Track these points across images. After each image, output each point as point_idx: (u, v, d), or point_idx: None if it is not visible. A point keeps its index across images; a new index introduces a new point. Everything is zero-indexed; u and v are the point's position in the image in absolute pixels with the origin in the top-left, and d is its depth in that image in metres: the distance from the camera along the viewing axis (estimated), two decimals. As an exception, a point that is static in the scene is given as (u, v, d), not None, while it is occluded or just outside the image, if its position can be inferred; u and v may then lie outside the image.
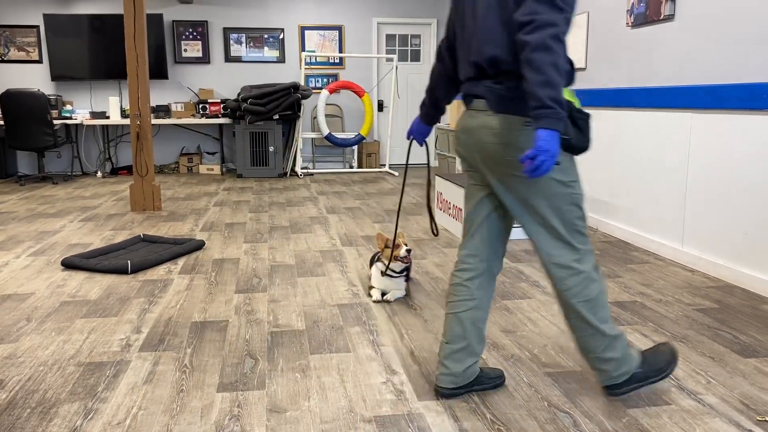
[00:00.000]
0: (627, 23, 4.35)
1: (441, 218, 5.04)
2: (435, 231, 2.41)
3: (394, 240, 3.13)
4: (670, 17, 3.89)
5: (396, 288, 3.18)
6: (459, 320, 2.10)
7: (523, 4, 1.76)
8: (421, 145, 2.41)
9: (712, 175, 3.57)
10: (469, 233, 2.13)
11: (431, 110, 2.28)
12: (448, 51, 2.15)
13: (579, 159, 5.13)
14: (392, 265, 3.13)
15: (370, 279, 3.29)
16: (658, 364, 2.13)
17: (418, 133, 2.34)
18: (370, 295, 3.21)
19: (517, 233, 4.51)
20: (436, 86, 2.22)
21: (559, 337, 2.68)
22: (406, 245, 3.13)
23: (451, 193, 4.76)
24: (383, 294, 3.18)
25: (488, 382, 2.20)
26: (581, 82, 5.03)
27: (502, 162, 1.91)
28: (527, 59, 1.70)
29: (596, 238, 4.51)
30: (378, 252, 3.32)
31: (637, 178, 4.28)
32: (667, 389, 2.19)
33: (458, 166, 7.05)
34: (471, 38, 1.95)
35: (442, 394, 2.14)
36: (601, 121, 4.74)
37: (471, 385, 2.16)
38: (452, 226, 4.74)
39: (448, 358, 2.12)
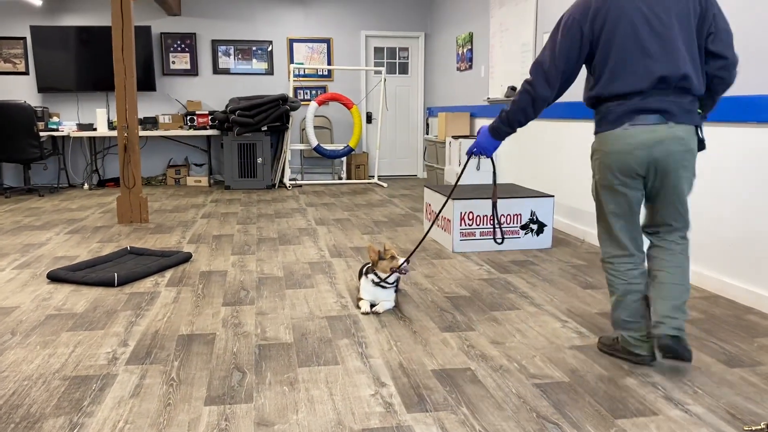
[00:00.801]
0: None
1: (429, 230, 5.05)
2: (501, 238, 3.04)
3: (414, 250, 3.13)
4: (654, 31, 3.94)
5: (386, 299, 3.18)
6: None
7: (724, 39, 2.27)
8: (489, 157, 2.66)
9: (696, 187, 3.61)
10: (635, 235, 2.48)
11: (516, 131, 2.55)
12: (567, 81, 2.39)
13: (571, 170, 5.17)
14: (386, 276, 3.14)
15: (358, 291, 3.29)
16: None
17: (492, 148, 2.61)
18: (358, 307, 3.20)
19: (507, 245, 4.53)
20: (537, 112, 2.45)
21: (548, 348, 2.69)
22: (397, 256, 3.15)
23: (439, 205, 4.77)
24: (372, 305, 3.18)
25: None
26: (568, 94, 5.07)
27: (682, 166, 2.30)
28: (721, 92, 2.35)
29: (584, 249, 4.54)
30: (366, 264, 3.32)
31: (624, 189, 4.31)
32: (654, 400, 2.20)
33: (447, 178, 7.07)
34: (652, 54, 2.23)
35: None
36: (588, 133, 4.79)
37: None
38: (440, 237, 4.75)
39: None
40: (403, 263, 3.13)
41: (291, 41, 9.05)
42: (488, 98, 6.87)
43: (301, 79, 9.13)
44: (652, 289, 2.44)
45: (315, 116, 8.96)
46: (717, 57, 2.27)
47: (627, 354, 2.52)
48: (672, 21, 2.23)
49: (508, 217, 4.53)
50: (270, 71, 9.05)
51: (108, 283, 3.60)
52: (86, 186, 8.38)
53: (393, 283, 3.18)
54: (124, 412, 2.13)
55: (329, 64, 9.14)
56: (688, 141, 2.27)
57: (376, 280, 3.15)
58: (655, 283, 2.43)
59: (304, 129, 8.77)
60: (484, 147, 2.61)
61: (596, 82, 2.36)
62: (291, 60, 9.07)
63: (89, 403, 2.19)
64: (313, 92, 9.20)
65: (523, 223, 4.56)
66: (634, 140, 2.28)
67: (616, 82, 2.29)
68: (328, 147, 8.45)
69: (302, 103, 9.05)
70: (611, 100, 2.33)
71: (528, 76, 2.43)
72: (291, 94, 8.50)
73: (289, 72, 9.03)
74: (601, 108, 2.37)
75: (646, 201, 2.46)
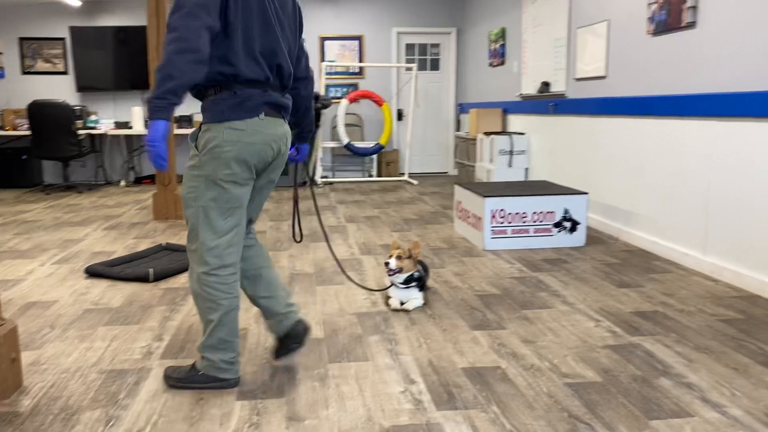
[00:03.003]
0: (648, 31, 4.32)
1: (460, 227, 5.02)
2: (299, 238, 2.91)
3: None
4: (691, 24, 3.85)
5: (412, 297, 3.17)
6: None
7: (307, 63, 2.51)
8: None
9: (735, 184, 3.52)
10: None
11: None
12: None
13: (605, 167, 5.09)
14: (394, 278, 3.14)
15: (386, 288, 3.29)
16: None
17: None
18: (388, 304, 3.21)
19: (540, 243, 4.49)
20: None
21: (580, 347, 2.65)
22: (400, 257, 3.12)
23: (470, 202, 4.75)
24: (402, 303, 3.18)
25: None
26: (603, 90, 5.00)
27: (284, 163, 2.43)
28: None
29: (617, 247, 4.47)
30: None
31: (660, 186, 4.24)
32: (690, 401, 2.16)
33: (478, 175, 7.03)
34: (273, 44, 2.24)
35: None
36: (623, 129, 4.71)
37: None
38: (471, 235, 4.72)
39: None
40: (389, 263, 3.12)
41: (323, 39, 9.08)
42: (521, 94, 6.80)
43: (332, 76, 9.16)
44: (260, 288, 2.40)
45: (346, 114, 8.98)
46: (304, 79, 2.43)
47: (210, 381, 2.27)
48: (284, 20, 2.23)
49: (541, 214, 4.48)
50: (302, 69, 9.09)
51: (143, 279, 3.67)
52: (123, 183, 8.54)
53: (405, 283, 3.16)
54: (158, 405, 2.17)
55: (360, 61, 9.15)
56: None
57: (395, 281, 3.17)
58: (261, 282, 2.41)
59: (335, 127, 8.80)
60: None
61: (234, 59, 2.07)
62: (323, 58, 9.10)
63: (125, 396, 2.24)
64: (345, 90, 9.22)
65: (556, 220, 4.50)
66: (272, 131, 2.17)
67: (252, 65, 2.10)
68: (359, 144, 8.47)
69: (333, 100, 9.08)
70: (249, 85, 2.10)
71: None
72: (322, 92, 8.54)
73: (320, 70, 9.07)
74: (236, 92, 2.09)
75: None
